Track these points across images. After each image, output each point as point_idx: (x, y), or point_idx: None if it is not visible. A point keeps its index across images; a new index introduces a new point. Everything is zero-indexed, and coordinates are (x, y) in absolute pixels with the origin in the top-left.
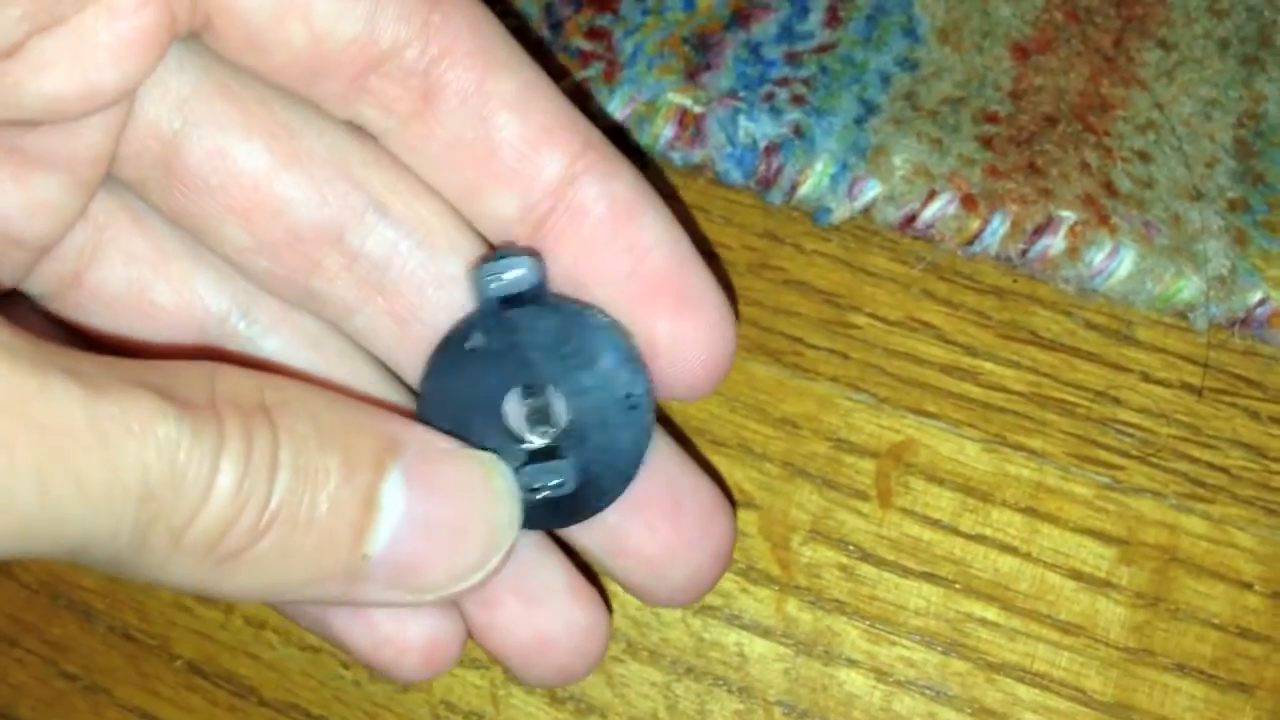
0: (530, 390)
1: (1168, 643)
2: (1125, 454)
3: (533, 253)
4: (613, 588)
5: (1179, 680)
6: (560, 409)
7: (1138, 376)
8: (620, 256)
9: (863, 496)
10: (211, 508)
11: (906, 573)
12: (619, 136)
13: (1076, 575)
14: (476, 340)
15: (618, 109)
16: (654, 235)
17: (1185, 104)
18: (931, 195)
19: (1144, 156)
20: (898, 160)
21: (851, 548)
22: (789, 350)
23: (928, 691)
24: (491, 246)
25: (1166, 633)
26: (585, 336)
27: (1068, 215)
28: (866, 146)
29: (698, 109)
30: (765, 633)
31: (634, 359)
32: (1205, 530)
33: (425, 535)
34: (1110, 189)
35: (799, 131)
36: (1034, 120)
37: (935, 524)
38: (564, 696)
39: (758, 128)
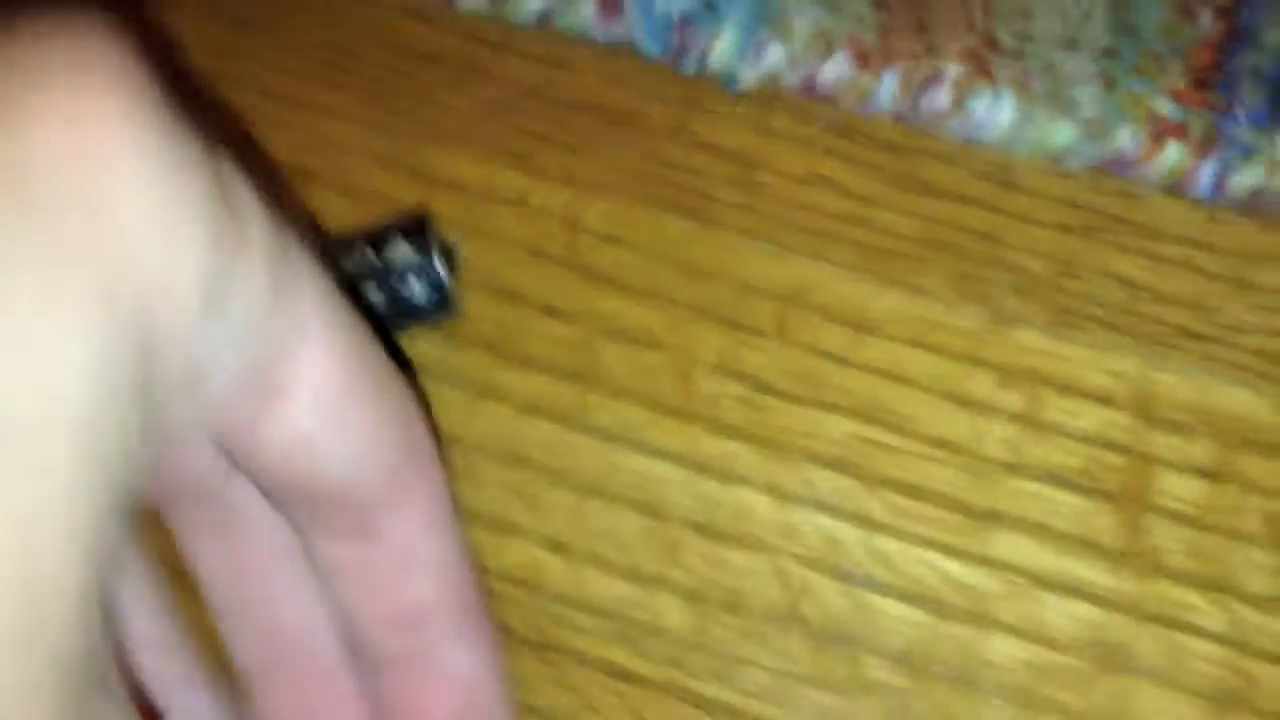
0: None
1: (1039, 456)
2: (1006, 288)
3: None
4: (539, 419)
5: (1048, 489)
6: None
7: (1018, 219)
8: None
9: (762, 334)
10: None
11: (802, 401)
12: None
13: (958, 400)
14: None
15: None
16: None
17: None
18: (829, 56)
19: (1024, 13)
20: (798, 24)
21: (751, 380)
22: (699, 206)
23: (818, 506)
24: None
25: (1038, 448)
26: None
27: (952, 69)
28: (770, 14)
29: None
30: (669, 458)
31: None
32: (1076, 354)
33: None
34: (992, 43)
35: (708, 3)
36: None
37: (829, 356)
38: (486, 518)
39: (671, 2)
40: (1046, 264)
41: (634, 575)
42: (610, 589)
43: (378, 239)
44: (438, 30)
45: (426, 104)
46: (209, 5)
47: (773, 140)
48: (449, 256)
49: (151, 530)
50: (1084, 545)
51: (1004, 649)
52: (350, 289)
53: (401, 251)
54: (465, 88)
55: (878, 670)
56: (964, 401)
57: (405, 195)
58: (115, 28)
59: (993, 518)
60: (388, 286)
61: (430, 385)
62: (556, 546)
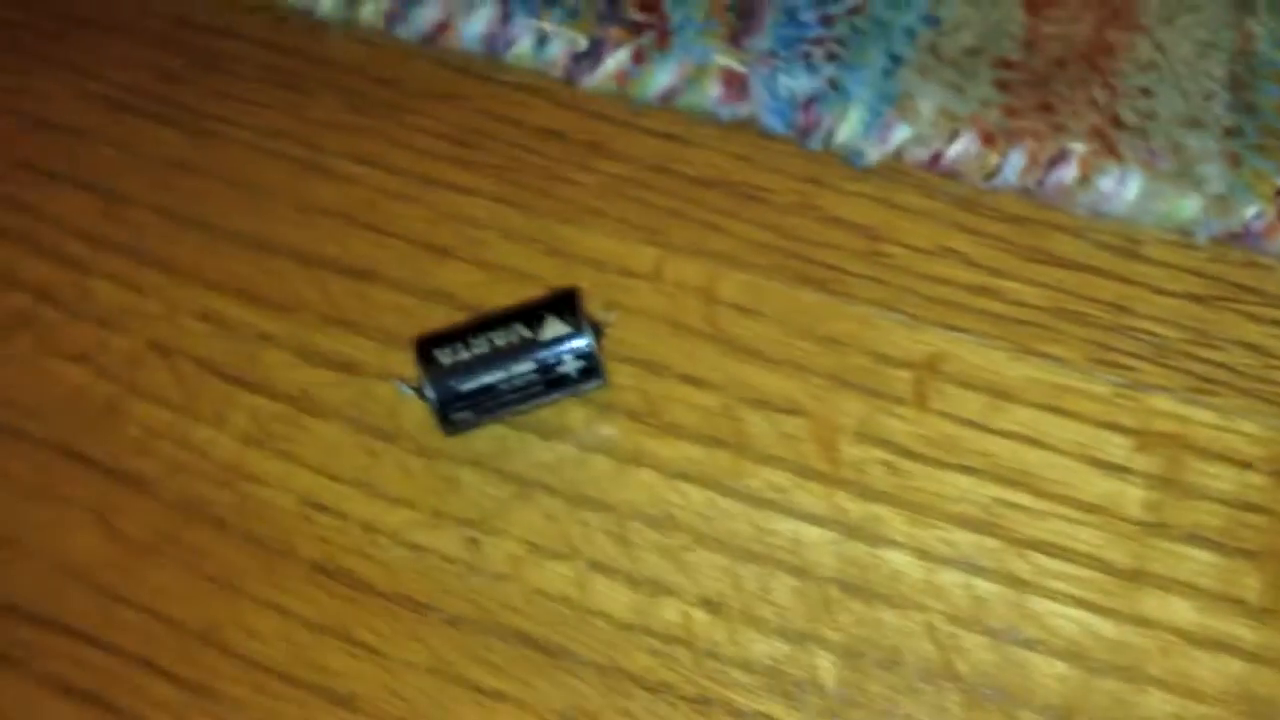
0: None
1: (1179, 517)
2: (1138, 356)
3: None
4: (687, 485)
5: (1190, 549)
6: None
7: (1147, 289)
8: None
9: (901, 402)
10: None
11: (943, 465)
12: None
13: (1096, 463)
14: None
15: (669, 73)
16: None
17: (1183, 45)
18: (955, 135)
19: (1146, 93)
20: (923, 106)
21: (892, 446)
22: (830, 278)
23: (964, 566)
24: None
25: (1178, 509)
26: None
27: (1079, 147)
28: (895, 94)
29: (742, 69)
30: (817, 521)
31: None
32: (1211, 419)
33: None
34: (1117, 122)
35: (834, 85)
36: (1045, 64)
37: (967, 423)
38: (640, 581)
39: (796, 83)
40: (1178, 332)
41: (788, 633)
42: (765, 646)
43: (530, 315)
44: (561, 108)
45: (555, 180)
46: (337, 88)
47: (899, 214)
48: (597, 331)
49: None
50: (1229, 603)
51: (1156, 704)
52: (505, 363)
53: (554, 328)
54: (592, 164)
55: None
56: (1102, 465)
57: (539, 270)
58: None
59: (1138, 577)
60: (539, 360)
61: (581, 454)
62: (711, 606)
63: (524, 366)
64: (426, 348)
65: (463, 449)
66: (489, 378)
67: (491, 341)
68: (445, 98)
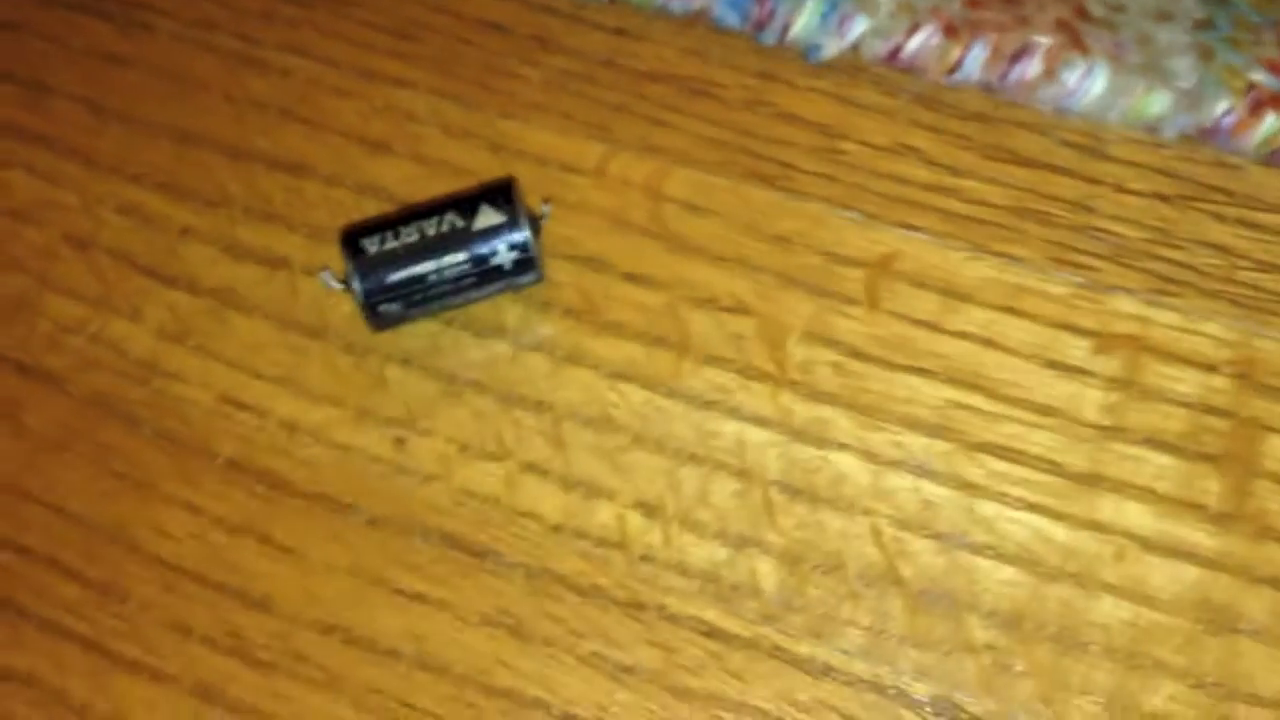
0: None
1: (1138, 420)
2: (1100, 256)
3: None
4: (627, 385)
5: (1149, 452)
6: None
7: (1111, 188)
8: None
9: (852, 302)
10: None
11: (894, 367)
12: None
13: (1053, 365)
14: None
15: None
16: None
17: None
18: (915, 27)
19: None
20: None
21: (842, 346)
22: (782, 175)
23: (913, 469)
24: None
25: (1138, 411)
26: None
27: (1043, 40)
28: None
29: None
30: (762, 422)
31: None
32: (1174, 320)
33: None
34: (1083, 14)
35: None
36: None
37: (920, 323)
38: (574, 482)
39: None
40: (1141, 232)
41: (727, 537)
42: (703, 551)
43: (463, 204)
44: (504, 0)
45: (496, 74)
46: None
47: (856, 111)
48: (534, 223)
49: None
50: (1189, 508)
51: (1109, 610)
52: (435, 253)
53: (487, 217)
54: (536, 58)
55: (979, 630)
56: (1061, 367)
57: (478, 165)
58: None
59: (1094, 481)
60: (473, 251)
61: (516, 352)
62: (648, 510)
63: (456, 257)
64: (353, 237)
65: (393, 346)
66: (418, 268)
67: (422, 231)
68: None
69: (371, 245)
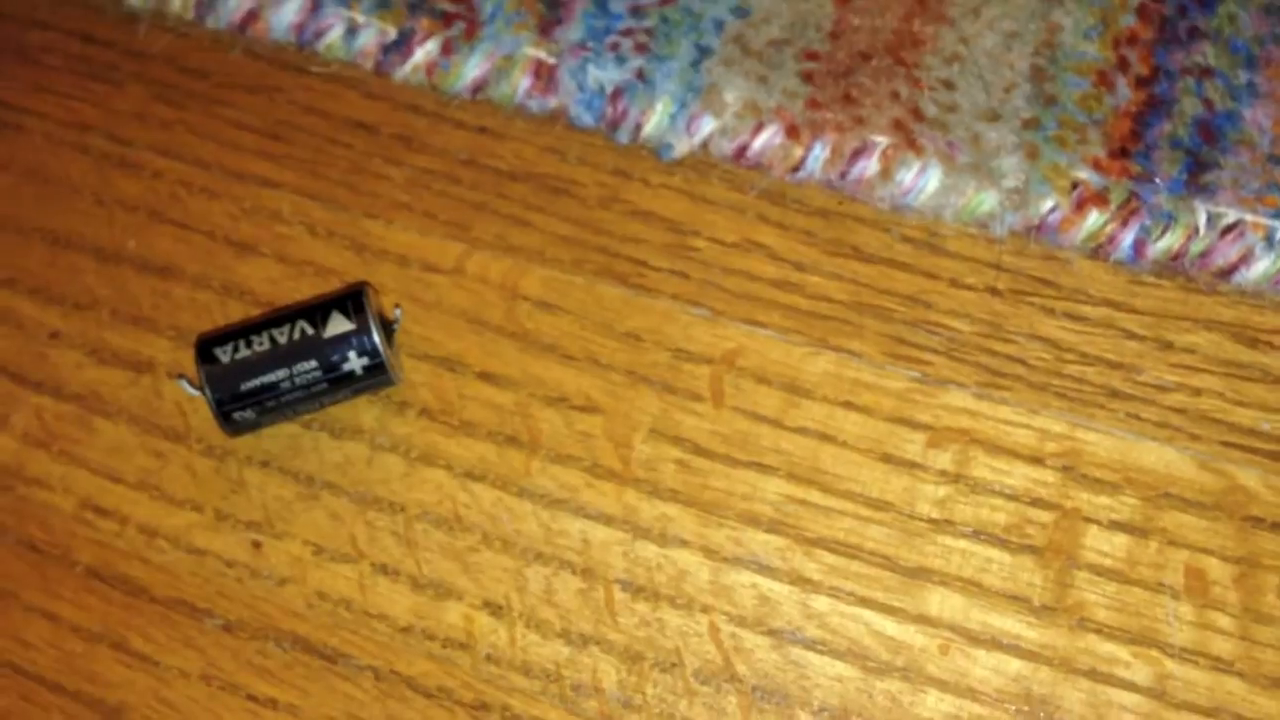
0: None
1: (967, 513)
2: (934, 350)
3: None
4: (478, 485)
5: (976, 545)
6: None
7: (946, 282)
8: None
9: (698, 398)
10: None
11: (735, 463)
12: None
13: (888, 459)
14: None
15: (477, 65)
16: None
17: (988, 37)
18: (759, 127)
19: (949, 85)
20: (729, 97)
21: (686, 443)
22: (634, 273)
23: (752, 565)
24: None
25: (967, 505)
26: None
27: (880, 140)
28: (701, 86)
29: (551, 60)
30: (607, 520)
31: None
32: (1004, 414)
33: None
34: (918, 114)
35: (642, 76)
36: (850, 56)
37: (762, 419)
38: (424, 583)
39: (605, 74)
40: (973, 326)
41: (570, 636)
42: (546, 650)
43: (314, 312)
44: (372, 100)
45: (362, 174)
46: (147, 79)
47: (706, 208)
48: (387, 328)
49: None
50: (1012, 600)
51: (933, 704)
52: (287, 361)
53: (338, 325)
54: (400, 158)
55: None
56: (895, 461)
57: (342, 265)
58: None
59: (923, 574)
60: (324, 359)
61: (372, 453)
62: (495, 609)
63: (307, 364)
64: (206, 345)
65: (253, 448)
66: (270, 376)
67: (274, 339)
68: (255, 89)
69: (224, 354)
